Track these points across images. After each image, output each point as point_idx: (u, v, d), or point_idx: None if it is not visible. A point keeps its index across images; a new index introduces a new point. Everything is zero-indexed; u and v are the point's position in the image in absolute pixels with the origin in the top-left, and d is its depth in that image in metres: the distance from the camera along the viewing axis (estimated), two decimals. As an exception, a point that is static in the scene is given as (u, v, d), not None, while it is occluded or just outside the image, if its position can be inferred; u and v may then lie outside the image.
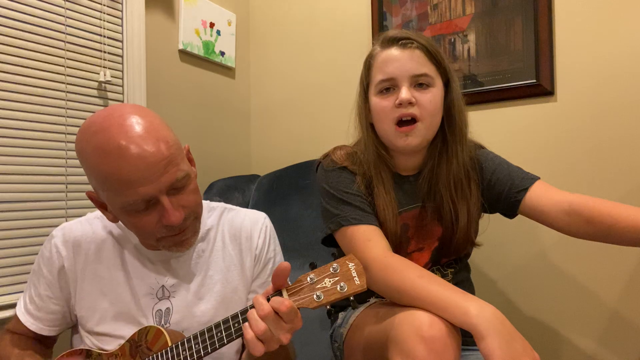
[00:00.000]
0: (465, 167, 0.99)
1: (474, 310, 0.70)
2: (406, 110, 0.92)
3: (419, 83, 0.93)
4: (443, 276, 1.03)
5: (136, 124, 0.74)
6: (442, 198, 0.98)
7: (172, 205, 0.76)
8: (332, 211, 0.96)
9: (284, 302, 0.68)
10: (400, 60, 0.93)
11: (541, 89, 1.34)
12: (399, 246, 0.99)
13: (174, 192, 0.78)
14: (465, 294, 0.75)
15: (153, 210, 0.76)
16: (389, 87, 0.94)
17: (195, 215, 0.83)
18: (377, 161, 0.98)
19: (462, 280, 1.06)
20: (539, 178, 0.99)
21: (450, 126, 0.98)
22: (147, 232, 0.79)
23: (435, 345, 0.70)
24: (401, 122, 0.94)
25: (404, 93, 0.92)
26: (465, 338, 0.94)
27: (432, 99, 0.93)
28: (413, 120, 0.93)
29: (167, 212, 0.76)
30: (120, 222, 0.84)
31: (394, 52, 0.94)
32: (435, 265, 1.03)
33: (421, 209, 1.01)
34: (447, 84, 0.98)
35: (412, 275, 0.81)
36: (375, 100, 0.97)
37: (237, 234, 0.94)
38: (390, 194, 0.97)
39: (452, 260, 1.05)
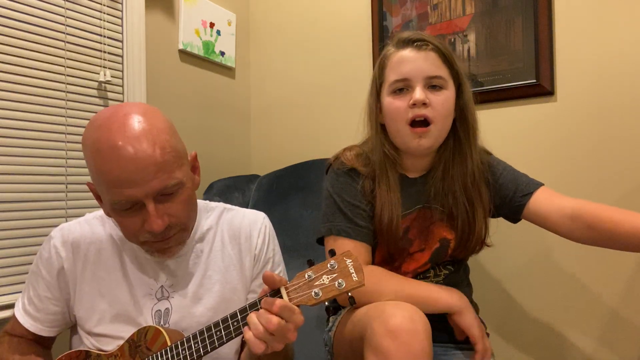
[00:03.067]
0: (479, 168, 1.00)
1: (445, 295, 0.92)
2: (419, 111, 0.92)
3: (433, 85, 0.94)
4: (436, 276, 1.03)
5: (137, 125, 0.74)
6: (458, 200, 0.98)
7: (157, 212, 0.75)
8: (328, 216, 0.98)
9: (275, 302, 0.67)
10: (415, 61, 0.93)
11: (541, 89, 1.34)
12: (401, 247, 0.99)
13: (162, 199, 0.77)
14: (433, 286, 0.95)
15: (138, 212, 0.76)
16: (403, 87, 0.94)
17: (182, 227, 0.81)
18: (385, 161, 0.98)
19: (458, 282, 1.05)
20: (543, 184, 0.99)
21: (463, 129, 0.99)
22: (130, 233, 0.79)
23: (401, 337, 0.73)
24: (414, 123, 0.93)
25: (418, 93, 0.92)
26: (452, 337, 0.98)
27: (444, 101, 0.94)
28: (426, 122, 0.93)
29: (150, 217, 0.75)
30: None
31: (409, 53, 0.94)
32: (433, 265, 1.03)
33: (425, 210, 1.01)
34: (458, 87, 0.98)
35: (389, 283, 0.91)
36: (388, 100, 0.96)
37: (237, 234, 0.94)
38: (395, 195, 0.97)
39: (449, 261, 1.04)
